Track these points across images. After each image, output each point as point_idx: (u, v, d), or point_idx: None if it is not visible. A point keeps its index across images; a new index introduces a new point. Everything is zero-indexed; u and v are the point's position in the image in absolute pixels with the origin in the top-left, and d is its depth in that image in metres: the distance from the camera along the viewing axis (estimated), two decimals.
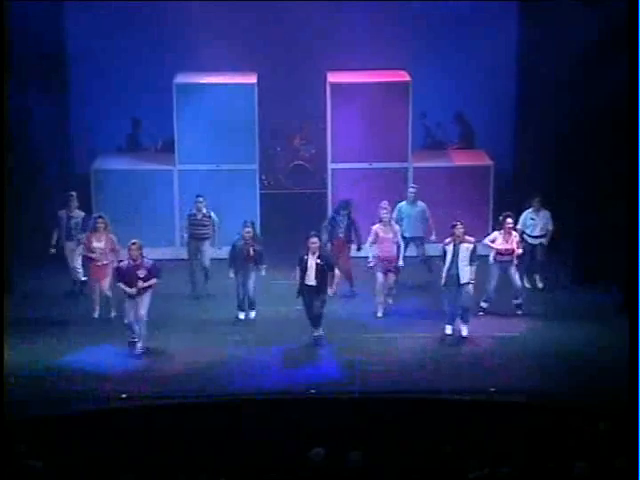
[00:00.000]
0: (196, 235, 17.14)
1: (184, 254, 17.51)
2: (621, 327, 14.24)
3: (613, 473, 10.35)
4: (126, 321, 15.12)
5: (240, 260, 16.03)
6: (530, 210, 17.10)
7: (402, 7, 20.65)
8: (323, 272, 15.15)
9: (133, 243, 14.99)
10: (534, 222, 17.10)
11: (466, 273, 15.20)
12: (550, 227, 17.14)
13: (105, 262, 16.13)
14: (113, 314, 16.15)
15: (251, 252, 15.99)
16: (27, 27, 17.82)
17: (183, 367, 14.60)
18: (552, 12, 18.54)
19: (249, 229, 16.07)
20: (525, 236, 16.98)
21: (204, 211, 17.10)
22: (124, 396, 13.65)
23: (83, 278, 17.05)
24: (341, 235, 17.05)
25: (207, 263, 17.13)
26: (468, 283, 15.25)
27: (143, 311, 15.05)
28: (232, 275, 16.17)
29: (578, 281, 17.47)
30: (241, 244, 16.03)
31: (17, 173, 17.32)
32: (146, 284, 14.93)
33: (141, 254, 15.00)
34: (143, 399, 13.63)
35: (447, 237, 15.48)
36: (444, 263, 15.33)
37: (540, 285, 17.44)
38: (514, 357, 14.94)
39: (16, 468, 10.45)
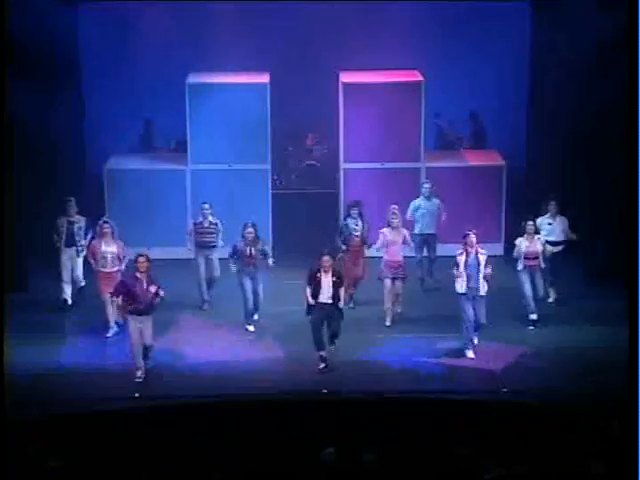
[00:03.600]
0: (203, 243, 16.74)
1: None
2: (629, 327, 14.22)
3: (614, 473, 10.38)
4: (129, 346, 14.34)
5: (243, 264, 15.73)
6: (547, 215, 16.79)
7: (414, 7, 20.67)
8: (339, 288, 14.73)
9: (142, 255, 14.23)
10: (551, 227, 16.78)
11: (484, 285, 14.97)
12: (566, 233, 16.77)
13: (115, 269, 15.63)
14: (116, 329, 15.66)
15: (253, 252, 15.74)
16: (40, 28, 17.89)
17: (188, 368, 14.60)
18: (565, 12, 18.54)
19: (251, 229, 15.73)
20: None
21: (210, 219, 16.74)
22: (137, 395, 13.70)
23: (82, 283, 16.73)
24: (357, 239, 16.76)
25: (215, 272, 16.71)
26: (484, 295, 14.99)
27: (149, 338, 14.27)
28: (234, 269, 15.74)
29: (589, 279, 17.44)
30: (242, 246, 15.73)
31: (31, 173, 17.40)
32: (157, 298, 14.27)
33: (149, 267, 14.26)
34: (145, 400, 13.62)
35: (457, 238, 15.34)
36: (456, 274, 14.95)
37: (554, 298, 17.05)
38: (518, 357, 14.97)
39: (15, 468, 10.49)
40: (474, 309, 14.94)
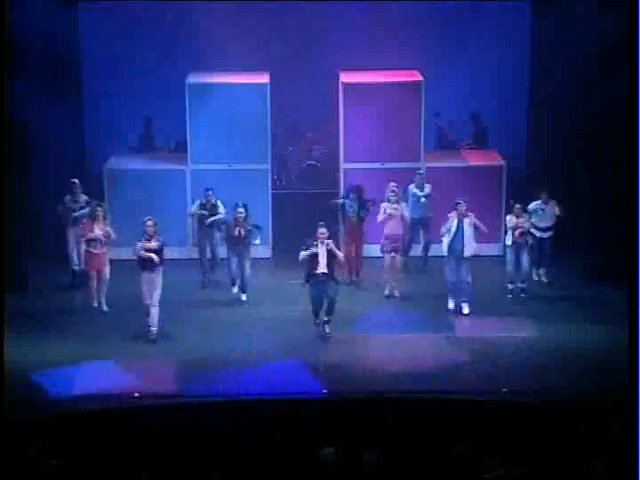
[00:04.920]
0: (206, 223, 17.36)
1: (196, 254, 17.60)
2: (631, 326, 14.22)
3: (614, 473, 10.38)
4: (145, 303, 15.29)
5: (231, 242, 16.49)
6: (539, 202, 17.24)
7: (414, 6, 20.66)
8: (334, 258, 15.30)
9: (149, 219, 15.38)
10: (543, 213, 17.24)
11: (470, 248, 15.90)
12: (557, 215, 17.25)
13: (103, 250, 16.31)
14: (105, 308, 16.33)
15: (242, 233, 16.34)
16: (41, 27, 17.92)
17: (190, 366, 14.61)
18: (565, 12, 18.55)
19: (241, 210, 16.41)
20: (533, 230, 17.11)
21: (212, 201, 17.34)
22: (137, 395, 13.70)
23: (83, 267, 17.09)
24: (353, 219, 17.31)
25: (217, 251, 17.40)
26: (469, 258, 15.92)
27: (157, 294, 15.30)
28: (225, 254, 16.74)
29: (589, 279, 17.49)
30: (232, 225, 16.48)
31: (31, 173, 17.41)
32: (155, 259, 15.25)
33: (156, 231, 15.40)
34: (145, 399, 13.61)
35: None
36: (447, 236, 15.98)
37: (545, 280, 17.55)
38: (519, 357, 14.98)
39: (15, 468, 10.49)
40: (459, 270, 15.99)
